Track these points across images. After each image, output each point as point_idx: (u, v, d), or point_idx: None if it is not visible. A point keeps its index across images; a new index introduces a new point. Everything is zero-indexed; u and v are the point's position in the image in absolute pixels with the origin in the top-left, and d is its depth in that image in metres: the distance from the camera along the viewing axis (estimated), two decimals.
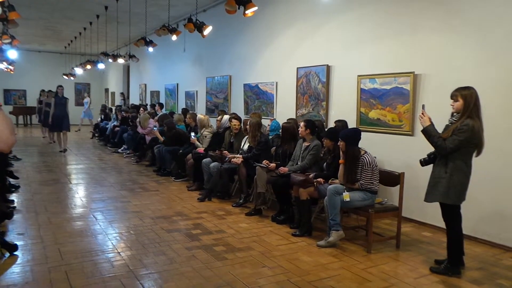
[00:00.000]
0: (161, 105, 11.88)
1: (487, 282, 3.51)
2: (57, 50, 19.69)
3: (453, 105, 3.59)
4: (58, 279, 3.30)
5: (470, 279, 3.56)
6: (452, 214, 3.63)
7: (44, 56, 20.56)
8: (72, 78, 18.40)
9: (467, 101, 3.48)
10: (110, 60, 12.28)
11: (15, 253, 3.83)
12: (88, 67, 14.75)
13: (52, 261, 3.68)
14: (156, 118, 10.12)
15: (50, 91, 13.26)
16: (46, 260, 3.70)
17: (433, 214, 4.51)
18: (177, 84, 12.50)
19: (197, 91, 11.15)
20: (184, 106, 11.48)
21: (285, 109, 7.59)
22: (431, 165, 3.76)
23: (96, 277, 3.37)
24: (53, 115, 10.79)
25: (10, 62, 15.90)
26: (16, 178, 7.25)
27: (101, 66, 14.17)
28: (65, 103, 10.91)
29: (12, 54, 13.06)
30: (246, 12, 5.21)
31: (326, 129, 5.56)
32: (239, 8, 5.27)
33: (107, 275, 3.42)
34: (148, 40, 9.29)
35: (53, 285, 3.19)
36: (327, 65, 6.54)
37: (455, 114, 3.61)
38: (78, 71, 16.59)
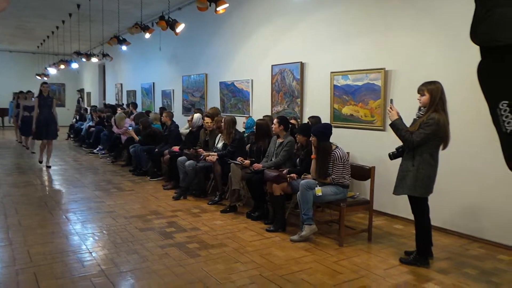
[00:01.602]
0: (134, 105, 11.73)
1: (454, 272, 3.61)
2: (29, 49, 19.22)
3: (419, 99, 3.67)
4: (26, 281, 3.24)
5: (438, 269, 3.65)
6: (419, 206, 3.71)
7: (16, 56, 20.04)
8: (45, 78, 17.97)
9: (433, 95, 3.56)
10: (84, 60, 12.08)
11: None
12: (62, 66, 14.47)
13: (20, 263, 3.60)
14: (132, 117, 10.01)
15: (29, 91, 11.86)
16: (14, 262, 3.62)
17: (405, 207, 4.59)
18: (153, 83, 12.38)
19: (173, 90, 11.07)
20: (161, 105, 11.38)
21: (261, 107, 7.61)
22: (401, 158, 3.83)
23: (65, 278, 3.32)
24: (37, 120, 8.56)
25: None
26: None
27: (74, 65, 13.92)
28: (51, 104, 8.69)
29: None
30: (218, 9, 5.20)
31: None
32: (210, 5, 5.26)
33: (77, 275, 3.38)
34: (121, 38, 9.17)
35: (20, 287, 3.13)
36: (301, 62, 6.60)
37: (422, 108, 3.69)
38: (52, 71, 16.25)
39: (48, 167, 8.77)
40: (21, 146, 12.61)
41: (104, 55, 11.54)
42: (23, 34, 15.01)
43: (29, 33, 14.77)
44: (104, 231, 4.56)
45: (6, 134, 16.86)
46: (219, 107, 8.69)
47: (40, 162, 8.96)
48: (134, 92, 14.03)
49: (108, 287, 3.17)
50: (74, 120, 15.19)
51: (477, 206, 4.46)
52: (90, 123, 12.66)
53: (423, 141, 3.54)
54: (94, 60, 12.09)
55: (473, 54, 1.66)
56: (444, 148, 3.66)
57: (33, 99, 10.35)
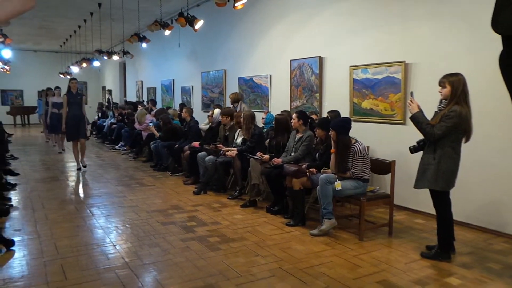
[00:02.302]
0: (153, 102, 11.87)
1: (477, 266, 3.56)
2: (53, 49, 19.68)
3: (441, 92, 3.61)
4: (54, 272, 3.35)
5: (460, 263, 3.61)
6: (441, 200, 3.67)
7: (40, 55, 20.56)
8: (68, 76, 18.39)
9: (455, 87, 3.50)
10: (105, 57, 12.30)
11: (11, 248, 3.87)
12: (84, 65, 14.77)
13: (48, 255, 3.73)
14: (153, 113, 10.17)
15: (57, 87, 11.03)
16: (42, 254, 3.75)
17: (426, 201, 4.53)
18: (173, 79, 12.52)
19: (192, 86, 11.17)
20: (180, 102, 11.51)
21: (279, 102, 7.62)
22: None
23: (91, 269, 3.42)
24: (67, 119, 7.96)
25: (6, 62, 15.89)
26: (16, 174, 7.42)
27: (96, 63, 14.18)
28: (80, 101, 8.10)
29: (7, 53, 13.04)
30: (236, 4, 5.22)
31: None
32: (228, 1, 5.29)
33: (102, 267, 3.47)
34: (141, 36, 9.30)
35: (48, 278, 3.24)
36: (320, 56, 6.57)
37: (443, 100, 3.64)
38: (74, 69, 16.59)
39: (84, 166, 8.26)
40: (47, 144, 12.93)
41: (125, 53, 11.71)
42: (47, 33, 15.38)
43: (52, 32, 15.12)
44: (127, 225, 4.67)
45: (32, 132, 17.33)
46: None
47: (79, 169, 8.22)
48: (154, 89, 14.22)
49: (132, 278, 3.26)
50: (96, 117, 15.45)
51: (501, 200, 4.37)
52: (112, 120, 12.89)
53: (444, 134, 3.49)
54: (115, 58, 12.30)
55: (496, 43, 1.64)
56: (466, 141, 3.60)
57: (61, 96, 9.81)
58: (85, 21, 12.57)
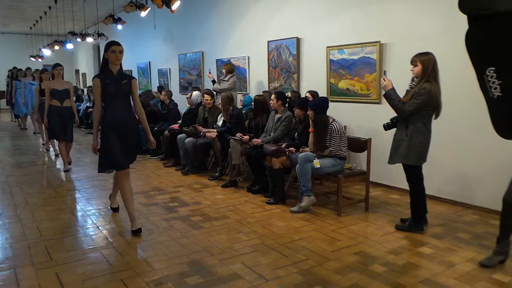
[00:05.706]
0: None
1: (447, 236, 3.77)
2: (22, 31, 18.98)
3: (413, 70, 3.75)
4: (38, 253, 3.38)
5: (432, 234, 3.82)
6: (414, 174, 3.84)
7: (8, 37, 19.82)
8: (40, 60, 17.85)
9: (425, 66, 3.64)
10: (79, 40, 11.99)
11: None
12: (56, 47, 14.35)
13: (32, 238, 3.74)
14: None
15: (57, 65, 6.65)
16: (25, 237, 3.76)
17: (401, 178, 4.71)
18: (149, 62, 12.35)
19: (170, 69, 11.06)
20: (158, 85, 11.39)
21: (258, 83, 7.67)
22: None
23: (76, 250, 3.46)
24: (103, 124, 3.93)
25: None
26: None
27: (69, 46, 13.80)
28: (127, 90, 3.87)
29: None
30: None
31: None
32: None
33: (87, 247, 3.53)
34: (116, 17, 9.11)
35: (33, 259, 3.27)
36: (297, 37, 6.62)
37: (415, 78, 3.78)
38: (46, 52, 16.10)
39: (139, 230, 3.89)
40: (18, 128, 12.59)
41: (99, 35, 11.45)
42: (15, 14, 14.80)
43: (22, 13, 14.56)
44: (109, 207, 4.69)
45: (2, 117, 16.84)
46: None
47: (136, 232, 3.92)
48: (130, 71, 13.96)
49: (117, 257, 3.32)
50: None
51: (470, 175, 4.60)
52: (88, 104, 12.67)
53: (415, 111, 3.64)
54: (90, 40, 12.01)
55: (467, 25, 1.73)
56: (436, 117, 3.77)
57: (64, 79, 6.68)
58: (56, 1, 12.16)
